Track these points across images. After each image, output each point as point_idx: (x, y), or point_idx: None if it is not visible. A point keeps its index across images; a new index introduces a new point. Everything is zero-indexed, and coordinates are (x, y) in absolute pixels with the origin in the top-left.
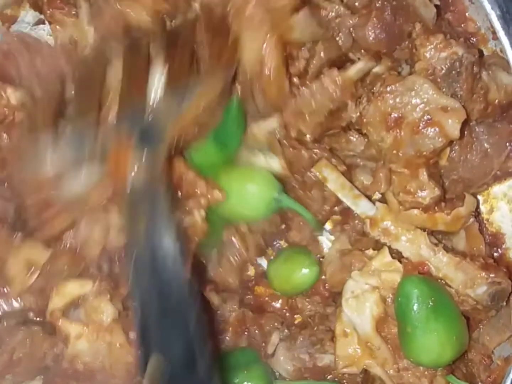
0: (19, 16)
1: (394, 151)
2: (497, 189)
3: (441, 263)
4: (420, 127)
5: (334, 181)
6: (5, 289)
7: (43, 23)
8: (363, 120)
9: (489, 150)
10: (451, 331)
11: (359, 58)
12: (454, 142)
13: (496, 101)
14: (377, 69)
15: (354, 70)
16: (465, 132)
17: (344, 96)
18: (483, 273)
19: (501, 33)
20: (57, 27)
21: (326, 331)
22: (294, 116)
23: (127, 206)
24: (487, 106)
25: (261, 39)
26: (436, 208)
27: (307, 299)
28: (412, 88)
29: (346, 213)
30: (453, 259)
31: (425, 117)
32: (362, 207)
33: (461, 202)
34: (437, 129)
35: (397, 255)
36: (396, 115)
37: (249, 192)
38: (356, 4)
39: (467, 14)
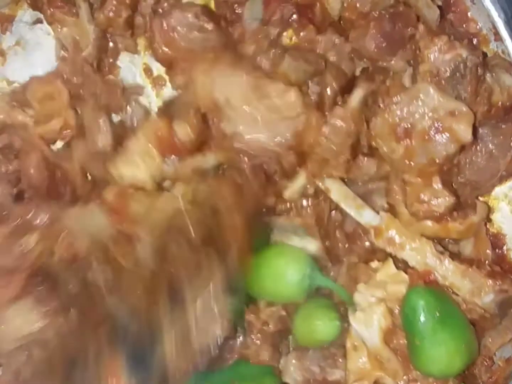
0: (17, 16)
1: (406, 161)
2: (498, 190)
3: (447, 271)
4: (430, 135)
5: (337, 191)
6: None
7: (41, 22)
8: (371, 133)
9: (494, 151)
10: (460, 341)
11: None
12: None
13: (500, 103)
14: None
15: (356, 100)
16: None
17: (358, 126)
18: (490, 281)
19: (504, 34)
20: (58, 26)
21: (340, 346)
22: (319, 166)
23: None
24: (491, 108)
25: None
26: (449, 218)
27: None
28: (418, 96)
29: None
30: (459, 267)
31: (435, 124)
32: (366, 217)
33: (473, 211)
34: (448, 134)
35: (403, 265)
36: (405, 125)
37: (279, 268)
38: (353, 17)
39: (469, 14)
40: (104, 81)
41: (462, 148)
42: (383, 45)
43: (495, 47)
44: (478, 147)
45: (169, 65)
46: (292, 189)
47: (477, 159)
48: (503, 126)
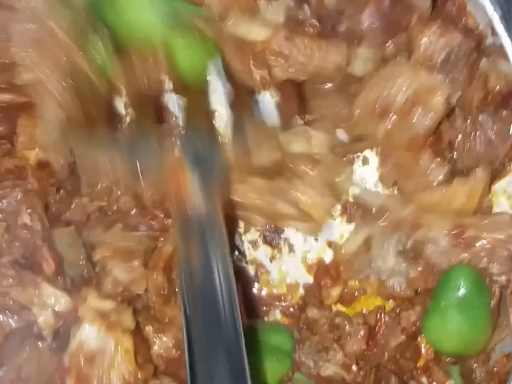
0: None
1: (391, 139)
2: (497, 185)
3: None
4: (407, 110)
5: None
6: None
7: None
8: (352, 123)
9: (493, 138)
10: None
11: None
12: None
13: (497, 88)
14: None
15: (317, 145)
16: (454, 105)
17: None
18: None
19: (500, 30)
20: None
21: (333, 340)
22: None
23: (184, 230)
24: (488, 94)
25: None
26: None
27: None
28: (392, 74)
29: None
30: None
31: (410, 99)
32: None
33: (474, 172)
34: (423, 107)
35: None
36: (381, 105)
37: None
38: None
39: (467, 9)
40: None
41: (442, 117)
42: (376, 25)
43: (492, 42)
44: (477, 134)
45: None
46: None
47: (476, 146)
48: (503, 112)
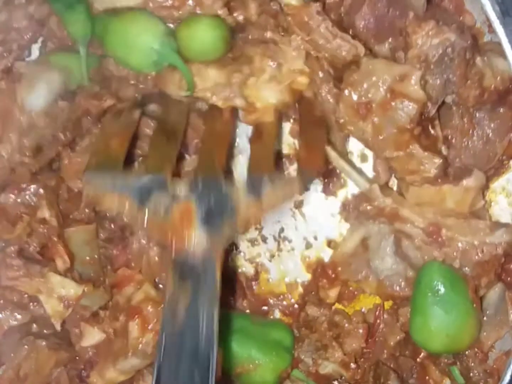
0: None
1: (379, 137)
2: (496, 183)
3: None
4: (388, 103)
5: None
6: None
7: None
8: (340, 122)
9: (491, 135)
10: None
11: None
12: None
13: (492, 86)
14: None
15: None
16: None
17: None
18: None
19: (496, 24)
20: None
21: (332, 338)
22: None
23: (177, 273)
24: (483, 92)
25: None
26: (443, 181)
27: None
28: (368, 71)
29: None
30: None
31: (389, 92)
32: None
33: (468, 175)
34: (402, 98)
35: None
36: (364, 102)
37: (131, 35)
38: None
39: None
40: None
41: (423, 107)
42: (371, 26)
43: (489, 39)
44: (474, 131)
45: None
46: None
47: (473, 143)
48: (501, 110)
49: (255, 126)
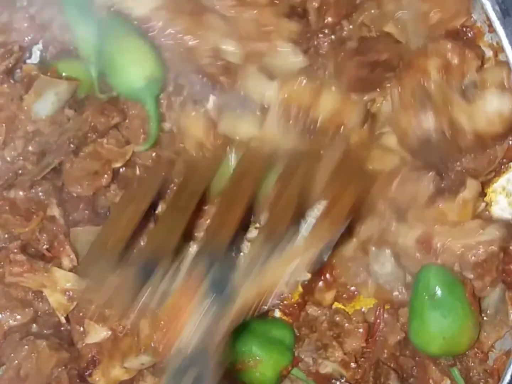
0: None
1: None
2: (496, 183)
3: None
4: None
5: None
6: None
7: None
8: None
9: None
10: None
11: None
12: None
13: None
14: None
15: None
16: None
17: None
18: None
19: (496, 24)
20: None
21: (333, 337)
22: None
23: (171, 369)
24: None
25: None
26: (439, 200)
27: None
28: None
29: None
30: None
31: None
32: None
33: (463, 187)
34: None
35: None
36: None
37: (123, 65)
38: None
39: None
40: None
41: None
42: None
43: (489, 39)
44: None
45: None
46: None
47: None
48: None
49: None
